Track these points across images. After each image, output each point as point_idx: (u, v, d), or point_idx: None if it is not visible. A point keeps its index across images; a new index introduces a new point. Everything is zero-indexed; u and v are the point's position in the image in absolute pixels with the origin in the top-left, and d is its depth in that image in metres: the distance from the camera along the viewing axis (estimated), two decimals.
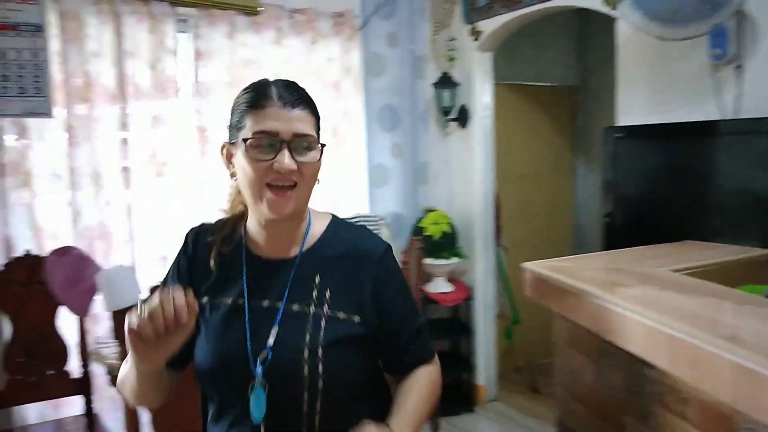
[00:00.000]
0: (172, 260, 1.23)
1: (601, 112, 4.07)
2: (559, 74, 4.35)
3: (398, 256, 3.15)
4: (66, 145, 2.74)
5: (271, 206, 1.06)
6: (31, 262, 2.59)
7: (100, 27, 2.78)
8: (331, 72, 3.37)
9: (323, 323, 1.10)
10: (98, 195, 2.77)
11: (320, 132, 1.14)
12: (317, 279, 1.14)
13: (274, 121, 1.05)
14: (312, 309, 1.11)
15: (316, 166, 1.10)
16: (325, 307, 1.12)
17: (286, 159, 1.04)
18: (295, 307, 1.11)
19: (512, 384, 3.86)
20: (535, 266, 1.43)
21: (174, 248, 1.25)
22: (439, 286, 3.48)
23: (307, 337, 1.08)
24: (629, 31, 2.52)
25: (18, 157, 2.69)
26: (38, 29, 2.65)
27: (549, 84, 4.28)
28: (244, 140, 1.07)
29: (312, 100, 1.13)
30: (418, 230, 3.48)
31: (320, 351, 1.07)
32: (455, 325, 3.71)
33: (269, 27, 3.15)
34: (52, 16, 2.70)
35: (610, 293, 1.16)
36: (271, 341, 1.08)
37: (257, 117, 1.06)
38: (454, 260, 3.46)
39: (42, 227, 2.73)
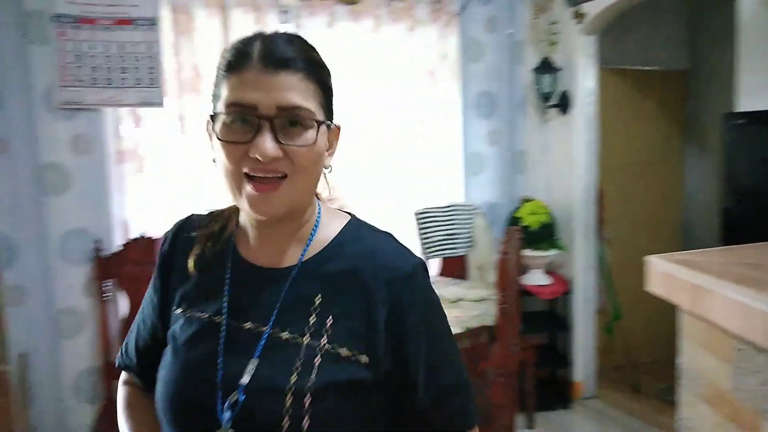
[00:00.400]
0: None
1: (715, 97, 3.81)
2: (668, 57, 4.09)
3: (495, 246, 3.11)
4: (177, 134, 2.87)
5: (252, 203, 0.81)
6: (145, 244, 2.75)
7: (208, 20, 2.89)
8: (427, 59, 3.34)
9: (317, 360, 0.82)
10: (206, 182, 2.89)
11: (329, 105, 0.87)
12: (317, 300, 0.86)
13: (252, 90, 0.79)
14: (305, 340, 0.83)
15: (314, 152, 0.83)
16: (324, 339, 0.83)
17: (266, 142, 0.78)
18: (285, 334, 0.84)
19: (611, 382, 3.70)
20: (662, 260, 1.34)
21: None
22: (537, 279, 3.38)
23: (294, 377, 0.81)
24: (753, 8, 2.33)
25: (134, 144, 2.85)
26: (152, 23, 2.78)
27: (657, 68, 4.04)
28: (213, 116, 0.84)
29: (314, 61, 0.85)
30: (514, 220, 3.40)
31: (308, 398, 0.80)
32: (552, 318, 3.60)
33: (368, 15, 3.16)
34: (165, 11, 2.83)
35: (754, 290, 1.07)
36: (245, 379, 0.81)
37: (232, 84, 0.81)
38: (553, 252, 3.36)
39: (155, 211, 2.88)
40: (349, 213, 0.96)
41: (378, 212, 3.13)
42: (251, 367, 0.82)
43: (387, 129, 3.26)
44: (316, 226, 0.91)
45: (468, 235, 3.38)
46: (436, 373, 0.87)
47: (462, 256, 3.39)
